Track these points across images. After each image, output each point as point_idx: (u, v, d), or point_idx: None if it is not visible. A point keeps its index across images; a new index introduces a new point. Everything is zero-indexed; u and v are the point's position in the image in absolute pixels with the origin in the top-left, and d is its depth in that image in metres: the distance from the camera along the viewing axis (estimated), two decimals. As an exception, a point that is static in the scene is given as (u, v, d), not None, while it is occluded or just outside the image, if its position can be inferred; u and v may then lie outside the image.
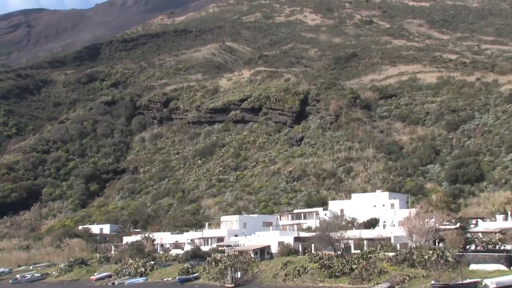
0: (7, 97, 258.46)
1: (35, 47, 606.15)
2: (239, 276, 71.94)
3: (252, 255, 79.69)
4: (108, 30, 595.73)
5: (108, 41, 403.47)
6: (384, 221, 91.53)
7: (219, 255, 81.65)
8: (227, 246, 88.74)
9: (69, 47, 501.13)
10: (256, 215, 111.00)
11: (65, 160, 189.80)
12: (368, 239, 75.44)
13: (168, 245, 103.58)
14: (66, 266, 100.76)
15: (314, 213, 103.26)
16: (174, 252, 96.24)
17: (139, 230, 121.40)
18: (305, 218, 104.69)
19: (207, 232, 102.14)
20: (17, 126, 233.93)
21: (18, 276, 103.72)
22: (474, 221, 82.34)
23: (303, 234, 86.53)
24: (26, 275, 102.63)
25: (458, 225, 74.62)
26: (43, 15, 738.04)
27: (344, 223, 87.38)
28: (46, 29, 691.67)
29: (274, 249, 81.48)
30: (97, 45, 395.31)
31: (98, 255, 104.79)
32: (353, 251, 73.52)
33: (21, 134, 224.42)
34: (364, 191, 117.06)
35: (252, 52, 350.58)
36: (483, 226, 77.47)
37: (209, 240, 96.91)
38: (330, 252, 71.09)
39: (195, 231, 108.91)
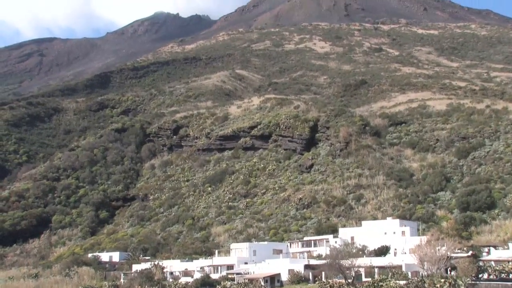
0: (18, 125, 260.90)
1: (47, 76, 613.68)
2: (249, 304, 71.38)
3: (262, 283, 79.22)
4: (119, 58, 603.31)
5: (118, 69, 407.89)
6: (395, 249, 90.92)
7: (229, 283, 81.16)
8: (237, 274, 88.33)
9: (80, 75, 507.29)
10: (266, 242, 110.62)
11: (75, 188, 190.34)
12: (379, 267, 74.92)
13: (177, 273, 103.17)
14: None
15: (325, 241, 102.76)
16: (183, 280, 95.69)
17: (149, 257, 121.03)
18: (315, 245, 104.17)
19: (217, 259, 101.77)
20: (28, 154, 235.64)
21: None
22: (486, 249, 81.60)
23: (313, 262, 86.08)
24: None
25: (470, 253, 74.03)
26: (55, 44, 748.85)
27: (354, 250, 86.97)
28: (58, 58, 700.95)
29: (284, 277, 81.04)
30: (108, 73, 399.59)
31: (107, 283, 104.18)
32: (364, 279, 73.00)
33: (31, 162, 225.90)
34: (375, 218, 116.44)
35: (261, 80, 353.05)
36: (495, 254, 76.70)
37: (219, 267, 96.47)
38: (340, 280, 70.59)
39: (205, 258, 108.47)
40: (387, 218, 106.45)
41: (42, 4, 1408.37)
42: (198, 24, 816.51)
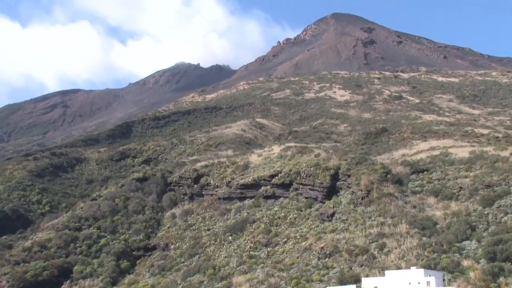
0: (42, 175, 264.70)
1: (70, 126, 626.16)
2: None
3: (285, 335, 77.82)
4: (141, 108, 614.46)
5: (140, 119, 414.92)
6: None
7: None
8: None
9: (103, 125, 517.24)
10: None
11: (97, 237, 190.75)
12: (404, 318, 73.25)
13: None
14: None
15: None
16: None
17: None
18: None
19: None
20: (51, 204, 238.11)
21: None
22: (515, 301, 79.41)
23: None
24: None
25: (498, 304, 72.12)
26: (78, 95, 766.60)
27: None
28: (81, 109, 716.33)
29: (307, 329, 79.51)
30: (130, 123, 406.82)
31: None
32: (388, 330, 71.32)
33: (54, 212, 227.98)
34: (398, 268, 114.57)
35: (282, 128, 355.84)
36: (524, 305, 74.55)
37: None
38: (365, 332, 69.12)
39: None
40: (411, 267, 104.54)
41: (66, 58, 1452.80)
42: (218, 73, 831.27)
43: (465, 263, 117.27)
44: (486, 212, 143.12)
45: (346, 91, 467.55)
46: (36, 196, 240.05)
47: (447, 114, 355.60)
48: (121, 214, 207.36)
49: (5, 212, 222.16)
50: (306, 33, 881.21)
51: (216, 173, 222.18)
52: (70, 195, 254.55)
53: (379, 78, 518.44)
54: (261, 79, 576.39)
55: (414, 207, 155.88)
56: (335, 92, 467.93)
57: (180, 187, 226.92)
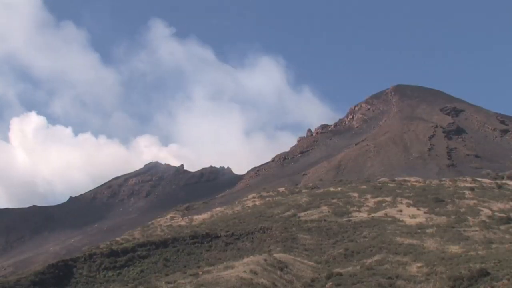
0: None
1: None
2: None
3: None
4: (88, 237, 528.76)
5: (86, 255, 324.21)
6: None
7: None
8: None
9: (25, 265, 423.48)
10: None
11: None
12: None
13: None
14: None
15: None
16: None
17: None
18: None
19: None
20: None
21: None
22: None
23: None
24: None
25: None
26: None
27: None
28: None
29: None
30: (70, 262, 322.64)
31: None
32: None
33: None
34: None
35: (316, 269, 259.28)
36: None
37: None
38: None
39: None
40: None
41: None
42: (213, 181, 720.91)
43: None
44: None
45: (419, 210, 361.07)
46: None
47: None
48: None
49: None
50: (353, 117, 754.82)
51: None
52: None
53: (472, 189, 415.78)
54: (282, 189, 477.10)
55: None
56: (401, 211, 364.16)
57: None
